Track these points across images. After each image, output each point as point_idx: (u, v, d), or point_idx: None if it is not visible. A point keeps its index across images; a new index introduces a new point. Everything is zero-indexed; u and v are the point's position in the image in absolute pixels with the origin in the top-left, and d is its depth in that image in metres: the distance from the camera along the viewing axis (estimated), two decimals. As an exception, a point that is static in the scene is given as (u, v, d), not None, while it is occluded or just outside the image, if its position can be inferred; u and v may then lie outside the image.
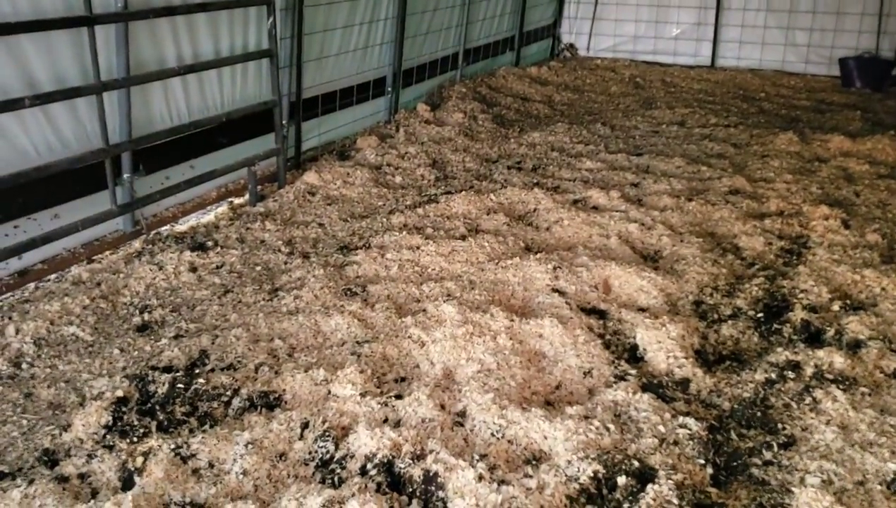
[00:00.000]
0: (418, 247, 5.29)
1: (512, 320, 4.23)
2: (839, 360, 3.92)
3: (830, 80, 11.62)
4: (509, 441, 3.31)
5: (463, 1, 9.90)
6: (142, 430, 3.42)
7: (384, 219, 5.91)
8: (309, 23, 6.89)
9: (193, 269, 5.03)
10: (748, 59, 12.40)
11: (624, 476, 3.06)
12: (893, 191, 6.56)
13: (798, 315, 4.47)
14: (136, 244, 5.37)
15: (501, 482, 3.02)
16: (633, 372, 3.88)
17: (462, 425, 3.43)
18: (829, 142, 7.94)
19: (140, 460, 3.16)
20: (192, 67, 5.61)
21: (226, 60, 5.98)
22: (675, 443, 3.31)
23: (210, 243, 5.42)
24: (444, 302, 4.44)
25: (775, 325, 4.41)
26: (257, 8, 6.17)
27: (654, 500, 2.92)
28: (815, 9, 11.84)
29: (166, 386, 3.70)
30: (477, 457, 3.15)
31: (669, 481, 3.01)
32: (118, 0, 4.89)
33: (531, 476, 3.06)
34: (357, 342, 4.12)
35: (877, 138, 7.91)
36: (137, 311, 4.53)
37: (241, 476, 3.11)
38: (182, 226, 5.78)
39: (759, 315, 4.54)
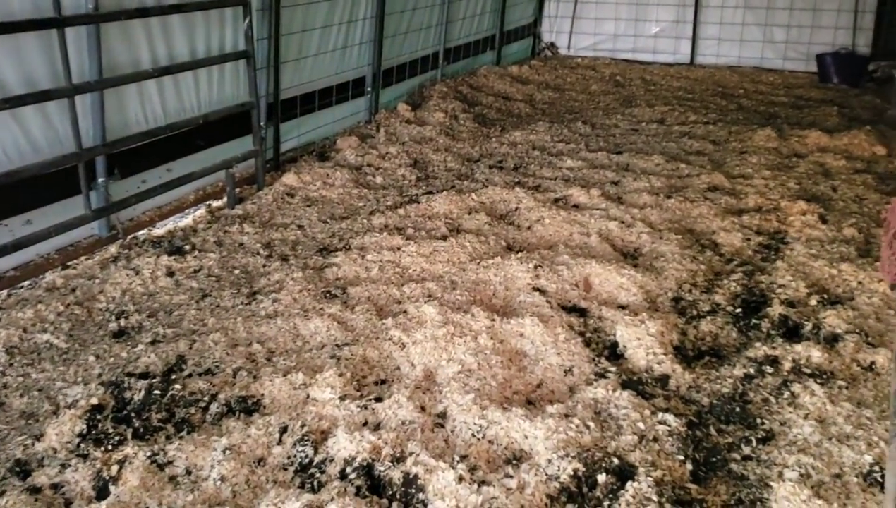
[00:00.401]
0: (399, 248, 5.27)
1: (493, 320, 4.22)
2: (817, 354, 3.94)
3: (808, 76, 11.69)
4: (490, 442, 3.29)
5: (442, 0, 9.88)
6: (117, 438, 3.37)
7: (364, 220, 5.88)
8: (286, 23, 6.85)
9: (171, 274, 4.98)
10: (727, 57, 12.47)
11: (604, 474, 3.05)
12: (870, 185, 6.60)
13: (776, 310, 4.49)
14: (112, 249, 5.31)
15: (482, 482, 3.01)
16: (613, 369, 3.88)
17: (443, 426, 3.41)
18: (807, 137, 7.98)
19: (115, 468, 3.12)
20: (168, 69, 5.55)
21: (202, 62, 5.92)
22: (655, 440, 3.31)
23: (188, 247, 5.37)
24: (425, 302, 4.43)
25: (753, 320, 4.43)
26: (233, 9, 6.13)
27: (634, 497, 2.91)
28: (792, 6, 11.91)
29: (142, 392, 3.66)
30: (457, 458, 3.14)
31: (649, 478, 3.01)
32: (88, 1, 4.83)
33: (512, 476, 3.05)
34: (336, 345, 4.09)
35: (853, 133, 7.96)
36: (113, 317, 4.48)
37: (218, 483, 3.08)
38: (159, 230, 5.73)
39: (738, 310, 4.55)
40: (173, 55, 5.71)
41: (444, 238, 5.47)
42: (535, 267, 4.90)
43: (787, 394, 3.66)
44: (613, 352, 4.10)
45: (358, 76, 8.35)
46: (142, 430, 3.43)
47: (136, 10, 5.18)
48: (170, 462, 3.18)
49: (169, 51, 5.67)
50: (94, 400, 3.56)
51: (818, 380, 3.74)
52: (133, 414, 3.54)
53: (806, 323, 4.34)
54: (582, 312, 4.49)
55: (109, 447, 3.30)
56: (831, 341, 4.12)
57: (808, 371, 3.84)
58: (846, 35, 11.62)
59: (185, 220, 5.93)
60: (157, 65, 5.52)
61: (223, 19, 6.13)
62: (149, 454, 3.18)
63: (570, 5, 13.16)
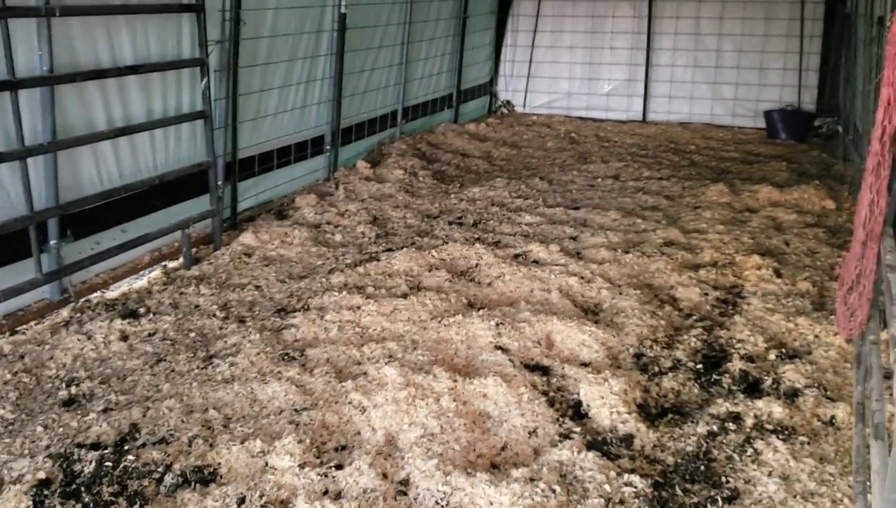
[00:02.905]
0: (359, 307, 5.21)
1: (455, 380, 4.17)
2: (778, 410, 3.96)
3: (756, 131, 12.01)
4: (454, 509, 3.22)
5: (401, 60, 10.01)
6: (66, 513, 3.23)
7: (323, 279, 5.83)
8: (245, 83, 6.86)
9: (124, 338, 4.85)
10: (678, 114, 12.77)
11: (571, 540, 2.99)
12: (821, 239, 6.74)
13: (736, 365, 4.52)
14: (64, 313, 5.17)
15: (446, 552, 2.93)
16: (578, 429, 3.84)
17: (406, 494, 3.34)
18: (758, 192, 8.15)
19: (63, 546, 2.99)
20: (123, 130, 5.49)
21: (158, 122, 5.88)
22: (622, 502, 3.27)
23: (142, 310, 5.25)
24: (386, 364, 4.36)
25: (714, 376, 4.45)
26: (191, 69, 6.11)
27: (602, 564, 2.86)
28: (739, 64, 12.30)
29: (93, 464, 3.53)
30: (421, 527, 3.06)
31: (617, 543, 2.96)
32: (43, 63, 4.78)
33: (477, 545, 2.98)
34: (295, 410, 4.00)
35: (803, 188, 8.16)
36: (64, 384, 4.33)
37: (172, 559, 2.96)
38: (113, 293, 5.60)
39: (699, 366, 4.57)
40: (129, 115, 5.66)
41: (405, 296, 5.43)
42: (497, 324, 4.88)
43: (750, 451, 3.66)
44: (577, 412, 4.07)
45: (317, 134, 8.36)
46: (92, 505, 3.29)
47: (92, 72, 5.15)
48: (121, 539, 3.05)
49: (125, 111, 5.62)
50: (42, 474, 3.42)
51: (780, 436, 3.75)
52: (83, 489, 3.39)
53: (766, 378, 4.37)
54: (545, 370, 4.46)
55: (57, 524, 3.17)
56: (791, 396, 4.15)
57: (769, 427, 3.85)
58: (792, 92, 12.00)
59: (140, 282, 5.81)
60: (112, 125, 5.47)
61: (180, 79, 6.11)
62: (99, 530, 3.05)
63: (525, 65, 13.43)
